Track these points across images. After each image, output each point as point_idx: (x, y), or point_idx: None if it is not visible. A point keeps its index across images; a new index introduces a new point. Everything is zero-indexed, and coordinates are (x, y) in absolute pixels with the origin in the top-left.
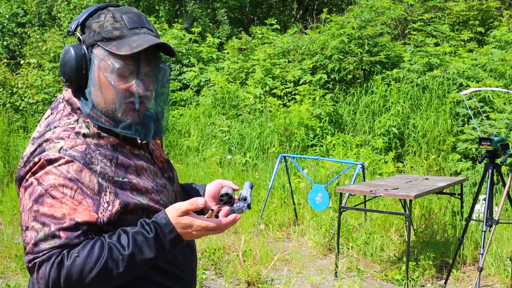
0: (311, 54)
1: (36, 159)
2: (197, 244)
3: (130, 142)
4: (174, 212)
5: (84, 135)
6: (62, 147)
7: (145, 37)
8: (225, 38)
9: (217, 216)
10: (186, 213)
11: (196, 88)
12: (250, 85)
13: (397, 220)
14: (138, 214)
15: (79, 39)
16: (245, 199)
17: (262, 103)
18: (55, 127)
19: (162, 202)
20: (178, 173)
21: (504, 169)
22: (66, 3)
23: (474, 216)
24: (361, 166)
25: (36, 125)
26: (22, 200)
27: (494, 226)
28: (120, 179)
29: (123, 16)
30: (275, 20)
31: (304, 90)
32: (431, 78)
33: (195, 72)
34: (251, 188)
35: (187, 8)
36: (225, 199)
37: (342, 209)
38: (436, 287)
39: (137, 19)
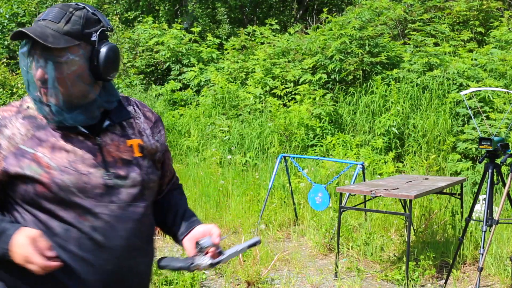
0: (311, 54)
1: None
2: None
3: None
4: (23, 233)
5: (28, 107)
6: None
7: (32, 27)
8: (225, 38)
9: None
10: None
11: (196, 88)
12: (250, 85)
13: (397, 220)
14: (25, 183)
15: None
16: (220, 253)
17: (262, 103)
18: None
19: (61, 183)
20: (178, 173)
21: (504, 169)
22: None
23: (474, 216)
24: (361, 166)
25: None
26: None
27: (494, 226)
28: (25, 147)
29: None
30: (275, 21)
31: (304, 90)
32: (431, 78)
33: (195, 72)
34: (250, 247)
35: (188, 8)
36: (198, 248)
37: (342, 209)
38: (436, 287)
39: (47, 11)
